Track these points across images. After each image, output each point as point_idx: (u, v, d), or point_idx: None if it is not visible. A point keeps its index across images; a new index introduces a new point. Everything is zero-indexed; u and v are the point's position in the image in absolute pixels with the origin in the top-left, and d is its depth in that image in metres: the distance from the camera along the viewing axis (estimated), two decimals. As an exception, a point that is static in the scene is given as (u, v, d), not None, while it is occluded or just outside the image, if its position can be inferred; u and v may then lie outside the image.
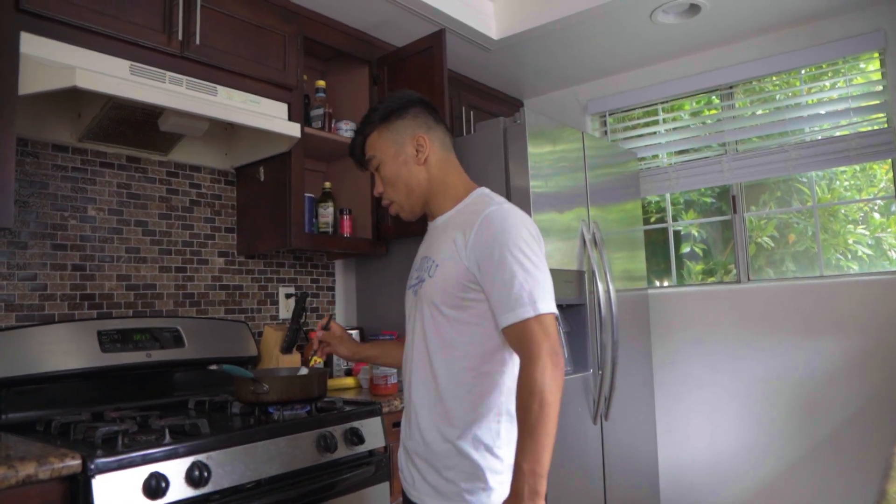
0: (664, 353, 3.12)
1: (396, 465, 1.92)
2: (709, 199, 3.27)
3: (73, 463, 1.30)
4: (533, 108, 3.60)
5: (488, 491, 1.26)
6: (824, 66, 2.87)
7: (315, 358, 2.19)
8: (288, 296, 2.64)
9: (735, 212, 3.06)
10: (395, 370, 2.19)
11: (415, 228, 2.52)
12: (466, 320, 1.29)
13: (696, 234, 3.33)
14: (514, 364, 1.30)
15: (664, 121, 3.30)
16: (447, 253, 1.32)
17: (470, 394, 1.29)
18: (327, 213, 2.58)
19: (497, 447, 1.28)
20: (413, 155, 1.40)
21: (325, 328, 1.67)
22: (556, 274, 2.27)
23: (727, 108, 3.12)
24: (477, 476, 1.26)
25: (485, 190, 1.42)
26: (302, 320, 1.81)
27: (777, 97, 2.99)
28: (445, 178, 1.42)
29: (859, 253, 2.88)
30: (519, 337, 1.21)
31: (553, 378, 1.17)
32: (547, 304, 1.22)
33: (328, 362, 2.55)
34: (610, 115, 3.46)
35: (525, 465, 1.12)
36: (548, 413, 1.15)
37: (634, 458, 2.83)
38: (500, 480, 1.27)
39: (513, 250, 1.23)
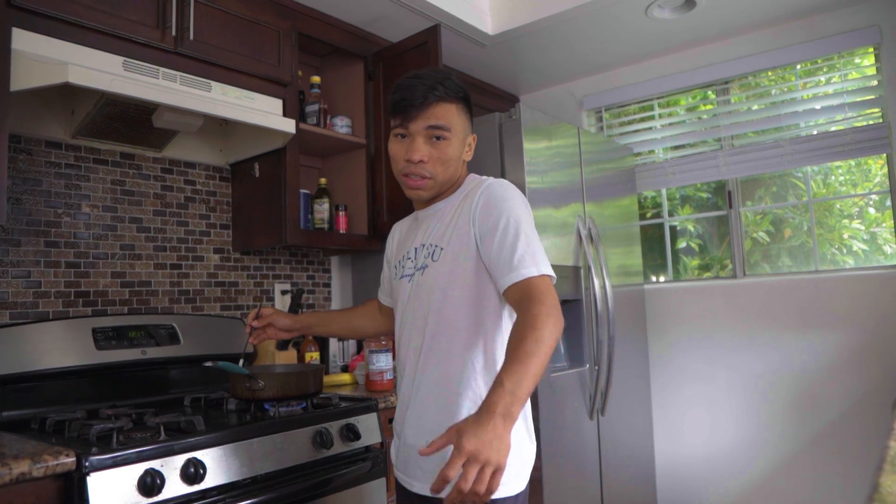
0: (660, 348, 3.12)
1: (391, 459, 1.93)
2: (704, 195, 3.28)
3: (68, 461, 1.29)
4: (529, 104, 3.60)
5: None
6: (819, 61, 2.87)
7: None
8: (284, 292, 2.64)
9: (731, 207, 3.06)
10: (390, 367, 2.19)
11: (410, 224, 2.51)
12: (472, 304, 1.29)
13: (691, 229, 3.34)
14: None
15: (660, 116, 3.30)
16: (453, 235, 1.32)
17: (477, 379, 1.28)
18: (323, 209, 2.58)
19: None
20: (465, 150, 1.40)
21: (257, 317, 1.65)
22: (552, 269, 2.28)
23: (723, 104, 3.12)
24: None
25: (473, 174, 1.44)
26: (298, 314, 1.80)
27: (772, 92, 2.99)
28: (460, 177, 1.43)
29: (854, 248, 2.89)
30: (523, 292, 1.19)
31: (554, 325, 1.13)
32: (548, 267, 1.23)
33: (323, 358, 2.55)
34: (606, 110, 3.46)
35: (507, 383, 1.05)
36: (542, 350, 1.10)
37: (631, 453, 2.83)
38: (513, 464, 1.24)
39: (514, 217, 1.26)
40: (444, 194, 1.41)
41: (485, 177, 1.40)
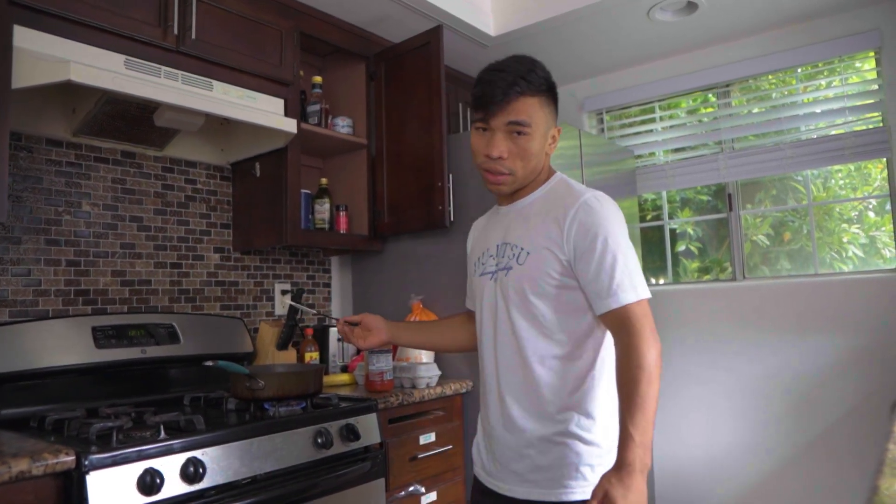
0: (659, 350, 3.12)
1: (392, 461, 1.93)
2: (705, 197, 3.28)
3: (68, 459, 1.29)
4: (529, 106, 3.59)
5: (586, 478, 1.25)
6: (820, 64, 2.87)
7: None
8: (284, 292, 2.64)
9: (731, 210, 3.07)
10: (390, 367, 2.19)
11: (411, 226, 2.52)
12: (558, 308, 1.29)
13: (691, 231, 3.34)
14: (605, 350, 1.30)
15: (661, 118, 3.30)
16: (541, 242, 1.30)
17: (564, 381, 1.28)
18: (323, 209, 2.58)
19: (594, 434, 1.27)
20: (548, 142, 1.36)
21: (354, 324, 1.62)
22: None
23: (723, 107, 3.12)
24: (574, 464, 1.26)
25: (563, 175, 1.40)
26: (298, 317, 1.80)
27: (773, 96, 2.99)
28: (543, 170, 1.39)
29: (852, 252, 2.89)
30: (621, 320, 1.21)
31: (657, 354, 1.18)
32: (645, 289, 1.24)
33: (323, 358, 2.55)
34: (607, 112, 3.46)
35: (637, 436, 1.12)
36: (654, 387, 1.16)
37: (629, 455, 2.83)
38: (599, 463, 1.26)
39: (613, 237, 1.24)
40: (526, 189, 1.38)
41: (578, 185, 1.35)
